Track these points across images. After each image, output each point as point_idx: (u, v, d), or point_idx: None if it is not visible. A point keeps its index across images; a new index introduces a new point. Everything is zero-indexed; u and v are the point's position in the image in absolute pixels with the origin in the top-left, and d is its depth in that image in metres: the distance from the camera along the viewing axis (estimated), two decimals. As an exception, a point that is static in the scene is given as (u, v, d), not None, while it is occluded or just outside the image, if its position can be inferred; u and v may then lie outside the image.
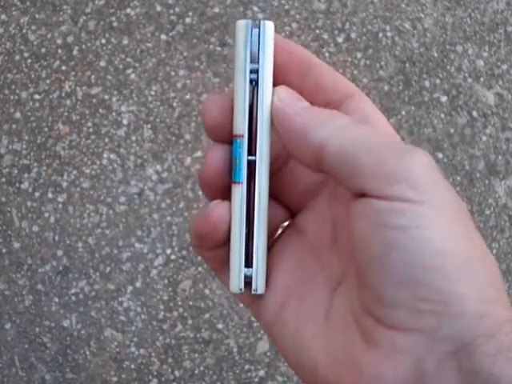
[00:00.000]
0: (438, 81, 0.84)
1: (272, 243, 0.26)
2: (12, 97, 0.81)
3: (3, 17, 0.84)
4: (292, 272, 0.25)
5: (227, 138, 0.24)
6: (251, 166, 0.24)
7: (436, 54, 0.85)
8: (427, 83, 0.84)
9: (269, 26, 0.23)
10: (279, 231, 0.27)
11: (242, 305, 0.76)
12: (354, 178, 0.21)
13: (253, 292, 0.24)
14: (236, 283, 0.24)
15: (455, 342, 0.19)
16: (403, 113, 0.82)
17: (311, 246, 0.25)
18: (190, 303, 0.76)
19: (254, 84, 0.24)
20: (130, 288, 0.75)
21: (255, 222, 0.24)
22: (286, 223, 0.27)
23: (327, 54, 0.83)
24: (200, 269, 0.76)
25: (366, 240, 0.20)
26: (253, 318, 0.75)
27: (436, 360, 0.19)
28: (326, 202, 0.25)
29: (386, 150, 0.21)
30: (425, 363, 0.19)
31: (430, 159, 0.21)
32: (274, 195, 0.25)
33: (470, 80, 0.84)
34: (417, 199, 0.20)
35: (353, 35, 0.85)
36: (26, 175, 0.78)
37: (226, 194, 0.24)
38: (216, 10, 0.84)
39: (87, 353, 0.74)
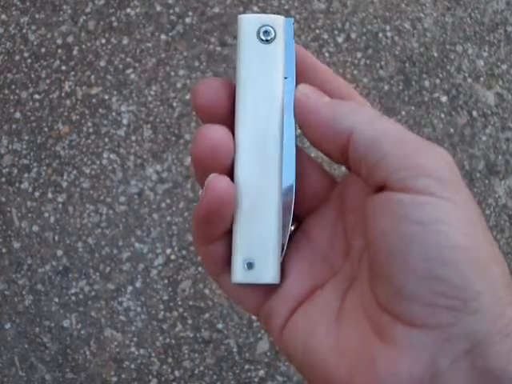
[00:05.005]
0: (437, 81, 0.84)
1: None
2: (12, 97, 0.81)
3: (3, 17, 0.84)
4: (303, 280, 0.24)
5: (218, 120, 0.24)
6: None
7: (436, 54, 0.85)
8: (427, 83, 0.84)
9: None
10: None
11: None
12: (379, 169, 0.21)
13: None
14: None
15: (470, 339, 0.19)
16: (403, 113, 0.82)
17: (322, 253, 0.25)
18: (190, 303, 0.75)
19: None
20: (129, 288, 0.75)
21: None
22: (293, 227, 0.27)
23: (327, 54, 0.83)
24: (200, 269, 0.76)
25: (386, 234, 0.20)
26: (253, 318, 0.75)
27: (450, 358, 0.19)
28: (335, 207, 0.25)
29: (413, 145, 0.21)
30: (439, 361, 0.19)
31: (452, 159, 0.21)
32: None
33: (469, 80, 0.84)
34: (440, 194, 0.20)
35: (353, 35, 0.85)
36: (25, 175, 0.78)
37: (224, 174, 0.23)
38: (216, 9, 0.84)
39: (87, 353, 0.74)
